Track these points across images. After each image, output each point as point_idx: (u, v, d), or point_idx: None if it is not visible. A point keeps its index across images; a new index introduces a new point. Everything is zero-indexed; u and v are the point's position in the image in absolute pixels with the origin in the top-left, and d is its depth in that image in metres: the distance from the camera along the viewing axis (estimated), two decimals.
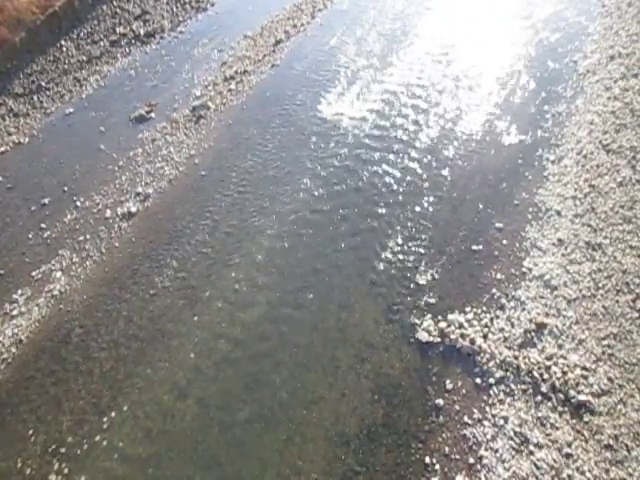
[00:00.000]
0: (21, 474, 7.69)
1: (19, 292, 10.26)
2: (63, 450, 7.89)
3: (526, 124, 11.81)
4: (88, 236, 11.17)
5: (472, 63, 13.82)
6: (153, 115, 14.18)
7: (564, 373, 7.54)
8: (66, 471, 7.65)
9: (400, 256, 9.59)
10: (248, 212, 11.04)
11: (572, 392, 7.33)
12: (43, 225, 11.60)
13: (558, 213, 9.76)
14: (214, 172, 12.15)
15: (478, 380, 7.70)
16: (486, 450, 7.00)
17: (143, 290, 9.85)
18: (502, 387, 7.56)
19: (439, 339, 8.25)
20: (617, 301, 8.18)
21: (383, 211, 10.52)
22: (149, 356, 8.84)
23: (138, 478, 7.40)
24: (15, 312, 9.92)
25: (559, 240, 9.31)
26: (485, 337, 8.14)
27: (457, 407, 7.49)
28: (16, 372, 9.03)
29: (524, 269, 9.00)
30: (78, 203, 12.00)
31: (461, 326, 8.34)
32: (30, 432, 8.19)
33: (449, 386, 7.71)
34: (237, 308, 9.25)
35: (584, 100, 11.97)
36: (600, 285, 8.48)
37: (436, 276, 9.19)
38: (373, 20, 16.41)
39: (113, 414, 8.16)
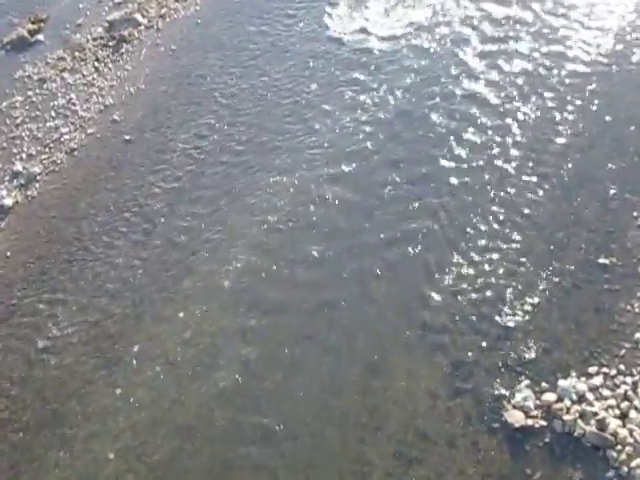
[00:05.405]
0: None
1: None
2: None
3: None
4: None
5: None
6: (41, 37, 11.58)
7: None
8: None
9: (472, 278, 7.53)
10: (204, 205, 8.77)
11: None
12: None
13: None
14: (146, 136, 9.90)
15: None
16: None
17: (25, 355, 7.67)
18: None
19: (544, 422, 6.53)
20: None
21: (436, 201, 8.19)
22: None
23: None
24: None
25: None
26: (624, 417, 6.48)
27: None
28: None
29: None
30: None
31: (582, 399, 6.65)
32: None
33: None
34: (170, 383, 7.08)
35: None
36: None
37: (537, 311, 7.28)
38: None
39: None
